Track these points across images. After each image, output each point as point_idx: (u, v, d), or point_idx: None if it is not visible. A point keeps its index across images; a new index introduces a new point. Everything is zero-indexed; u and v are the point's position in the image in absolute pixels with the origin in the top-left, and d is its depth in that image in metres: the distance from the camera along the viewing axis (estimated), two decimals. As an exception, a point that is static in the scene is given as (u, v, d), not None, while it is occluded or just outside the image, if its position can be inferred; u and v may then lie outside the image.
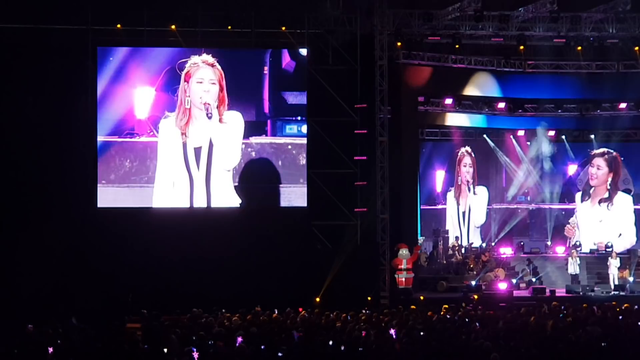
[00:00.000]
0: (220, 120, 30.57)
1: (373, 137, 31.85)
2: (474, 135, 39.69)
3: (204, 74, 30.54)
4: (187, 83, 30.43)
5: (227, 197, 30.84)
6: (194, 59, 30.53)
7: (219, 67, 30.60)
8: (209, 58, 30.56)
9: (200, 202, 30.68)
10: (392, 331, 19.70)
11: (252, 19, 30.96)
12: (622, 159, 38.84)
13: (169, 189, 30.53)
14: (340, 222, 31.40)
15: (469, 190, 39.38)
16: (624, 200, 38.27)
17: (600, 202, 38.16)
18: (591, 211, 38.18)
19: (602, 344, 17.99)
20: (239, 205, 30.86)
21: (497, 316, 22.97)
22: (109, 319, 22.50)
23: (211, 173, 30.63)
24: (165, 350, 17.51)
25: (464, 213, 39.26)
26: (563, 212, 39.09)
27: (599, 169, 38.33)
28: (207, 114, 30.30)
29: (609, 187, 38.24)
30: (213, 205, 30.76)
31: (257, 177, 31.04)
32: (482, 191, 39.65)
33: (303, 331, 19.67)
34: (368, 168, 31.72)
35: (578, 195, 38.83)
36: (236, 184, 30.89)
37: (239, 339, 17.84)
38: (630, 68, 36.01)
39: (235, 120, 30.77)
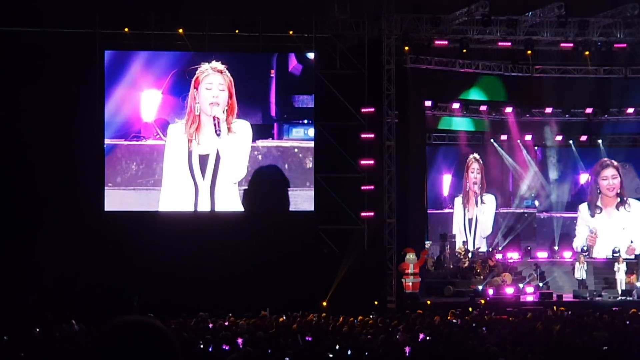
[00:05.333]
0: (229, 130, 30.52)
1: (380, 141, 31.83)
2: (481, 140, 39.63)
3: (213, 80, 30.52)
4: (196, 90, 30.42)
5: (231, 206, 30.82)
6: (204, 66, 30.52)
7: (228, 74, 30.56)
8: (218, 65, 30.55)
9: (204, 209, 30.65)
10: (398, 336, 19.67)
11: (259, 23, 30.99)
12: (630, 164, 38.86)
13: (175, 194, 30.55)
14: (347, 226, 31.38)
15: (477, 199, 39.26)
16: (635, 205, 38.23)
17: (617, 207, 38.09)
18: (609, 220, 38.06)
19: (609, 349, 17.93)
20: (243, 211, 30.89)
21: (503, 321, 22.96)
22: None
23: (216, 183, 30.58)
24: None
25: (470, 220, 39.17)
26: (575, 222, 38.95)
27: (614, 178, 38.26)
28: (215, 131, 30.25)
29: (618, 192, 38.21)
30: (217, 210, 30.76)
31: (263, 180, 31.03)
32: (490, 200, 39.50)
33: (310, 335, 19.65)
34: (375, 172, 31.71)
35: (583, 207, 38.67)
36: (243, 187, 30.88)
37: (240, 341, 17.80)
38: (638, 73, 35.97)
39: (244, 129, 30.70)
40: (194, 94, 30.43)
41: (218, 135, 30.28)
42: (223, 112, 30.41)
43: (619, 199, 38.20)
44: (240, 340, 17.93)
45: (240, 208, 30.91)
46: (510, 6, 33.08)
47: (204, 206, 30.65)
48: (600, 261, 35.79)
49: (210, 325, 22.15)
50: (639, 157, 39.24)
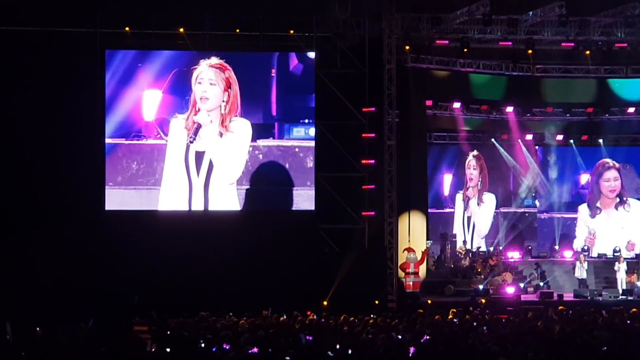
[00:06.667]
0: (226, 129, 30.49)
1: (381, 140, 31.82)
2: (482, 139, 39.64)
3: (204, 75, 30.53)
4: (194, 85, 30.53)
5: (225, 206, 30.79)
6: (202, 62, 30.53)
7: (230, 71, 30.50)
8: (213, 60, 30.54)
9: (197, 208, 30.63)
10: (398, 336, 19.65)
11: (260, 22, 30.97)
12: (630, 164, 38.93)
13: (172, 192, 30.54)
14: (348, 225, 31.38)
15: (473, 198, 39.28)
16: (635, 205, 38.23)
17: (616, 207, 38.11)
18: (609, 220, 38.06)
19: (610, 349, 17.93)
20: (242, 210, 30.86)
21: (504, 320, 22.96)
22: (117, 321, 22.52)
23: (210, 182, 30.55)
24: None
25: (469, 218, 39.21)
26: (575, 222, 38.96)
27: (615, 180, 38.30)
28: (189, 136, 30.24)
29: (618, 193, 38.24)
30: (210, 209, 30.72)
31: (264, 180, 31.02)
32: (490, 199, 39.50)
33: (311, 335, 19.65)
34: (376, 172, 31.72)
35: (582, 207, 38.69)
36: (244, 187, 30.86)
37: (255, 350, 17.75)
38: (639, 72, 35.96)
39: (243, 129, 30.64)
40: (194, 89, 30.52)
41: (191, 142, 30.28)
42: (208, 111, 30.38)
43: (618, 199, 38.23)
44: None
45: (236, 208, 30.85)
46: (511, 5, 33.09)
47: (197, 205, 30.61)
48: (600, 260, 35.81)
49: (211, 325, 22.14)
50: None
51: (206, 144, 30.50)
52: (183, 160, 30.50)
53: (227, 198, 30.78)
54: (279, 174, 31.17)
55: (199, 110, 30.40)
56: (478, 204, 39.29)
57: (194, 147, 30.49)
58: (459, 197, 39.39)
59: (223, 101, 30.53)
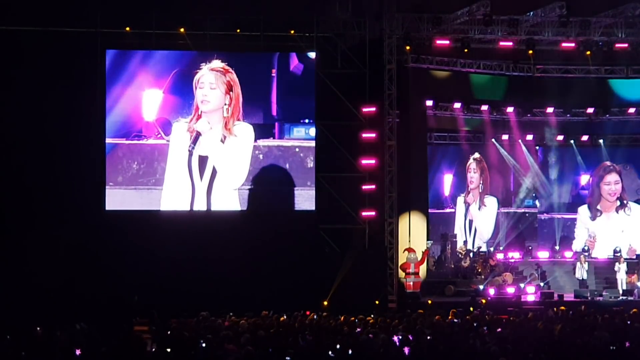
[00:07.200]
0: (229, 132, 30.48)
1: (381, 141, 31.82)
2: (482, 140, 39.61)
3: (205, 79, 30.54)
4: (195, 89, 30.53)
5: (227, 205, 30.80)
6: (204, 66, 30.53)
7: (232, 74, 30.50)
8: (215, 64, 30.53)
9: (199, 209, 30.64)
10: (396, 338, 19.63)
11: (260, 23, 30.98)
12: (631, 165, 38.93)
13: (174, 194, 30.54)
14: (348, 225, 31.40)
15: (475, 201, 39.24)
16: (635, 209, 38.22)
17: (617, 210, 38.09)
18: (609, 223, 38.03)
19: (610, 349, 17.93)
20: (244, 210, 30.86)
21: (505, 321, 22.97)
22: (118, 321, 22.53)
23: (213, 186, 30.54)
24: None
25: (470, 221, 39.16)
26: (575, 223, 38.95)
27: (616, 184, 38.26)
28: (189, 144, 30.28)
29: (619, 197, 38.23)
30: (212, 209, 30.76)
31: (264, 180, 31.02)
32: (491, 202, 39.41)
33: (311, 335, 19.64)
34: (376, 172, 31.71)
35: (582, 209, 38.66)
36: (245, 187, 30.86)
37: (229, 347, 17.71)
38: (639, 72, 35.96)
39: (245, 133, 30.65)
40: (195, 94, 30.52)
41: (190, 150, 30.29)
42: (209, 121, 30.40)
43: (619, 203, 38.20)
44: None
45: (237, 208, 30.84)
46: (512, 6, 33.04)
47: (199, 206, 30.60)
48: (601, 261, 35.81)
49: (212, 325, 22.13)
50: None
51: (208, 149, 30.49)
52: (186, 164, 30.51)
53: (229, 199, 30.79)
54: (279, 174, 31.17)
55: (200, 115, 30.39)
56: (479, 208, 39.23)
57: (196, 151, 30.49)
58: (460, 200, 39.32)
59: (225, 104, 30.53)
